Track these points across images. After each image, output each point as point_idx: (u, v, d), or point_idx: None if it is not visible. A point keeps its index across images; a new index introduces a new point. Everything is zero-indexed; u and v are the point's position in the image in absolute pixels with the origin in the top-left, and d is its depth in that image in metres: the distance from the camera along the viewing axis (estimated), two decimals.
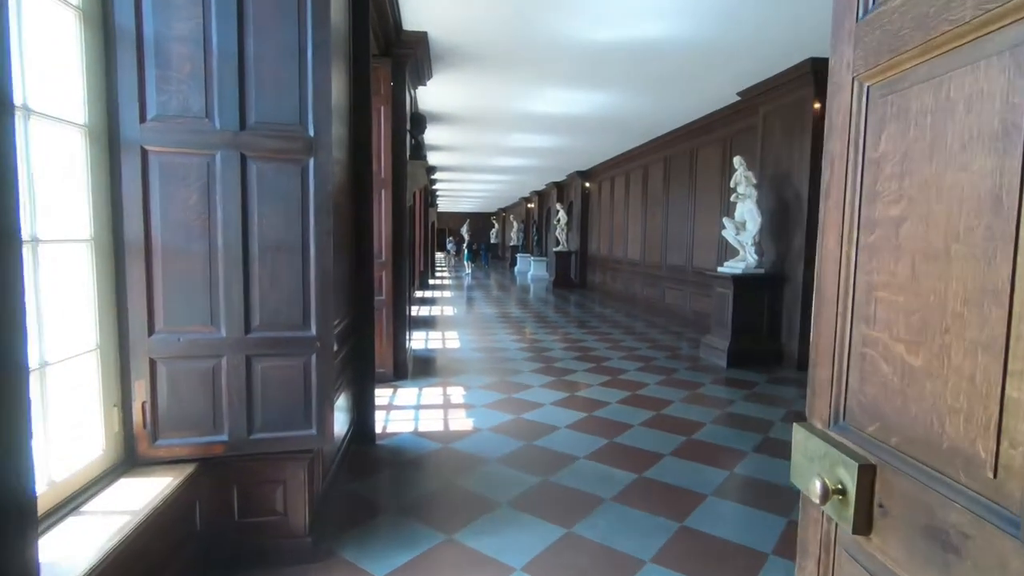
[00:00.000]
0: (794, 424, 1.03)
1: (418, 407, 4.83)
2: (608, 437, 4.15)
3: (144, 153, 2.17)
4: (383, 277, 5.47)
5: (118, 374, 2.23)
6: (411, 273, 9.45)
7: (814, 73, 5.99)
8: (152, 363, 2.25)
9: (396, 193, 5.53)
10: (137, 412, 2.24)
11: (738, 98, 7.49)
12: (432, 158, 14.00)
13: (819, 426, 1.00)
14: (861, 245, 0.89)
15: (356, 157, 3.89)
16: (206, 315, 2.30)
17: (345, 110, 3.59)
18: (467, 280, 19.38)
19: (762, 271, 6.57)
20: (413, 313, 10.29)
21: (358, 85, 3.94)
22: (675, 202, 10.33)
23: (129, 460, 2.25)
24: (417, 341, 7.76)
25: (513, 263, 25.55)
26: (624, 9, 4.82)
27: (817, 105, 6.11)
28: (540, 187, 21.51)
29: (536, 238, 21.94)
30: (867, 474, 0.82)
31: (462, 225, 36.90)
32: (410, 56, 5.51)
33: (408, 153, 5.98)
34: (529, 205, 24.97)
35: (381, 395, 5.07)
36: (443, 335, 8.30)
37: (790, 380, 5.98)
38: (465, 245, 25.37)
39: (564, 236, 17.23)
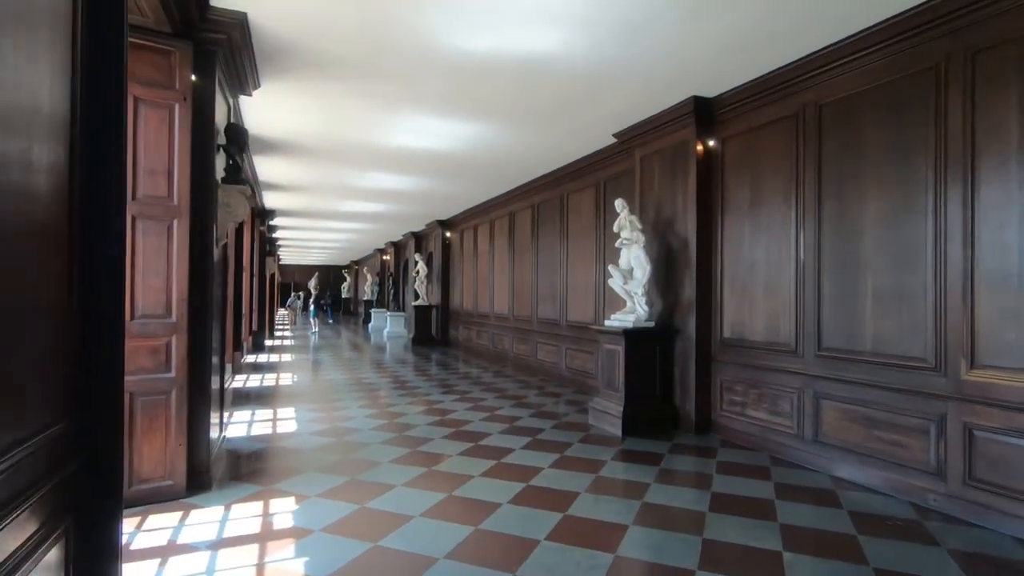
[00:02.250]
0: None
1: (216, 545, 3.15)
2: (510, 567, 2.90)
3: None
4: (171, 345, 3.77)
5: None
6: (235, 335, 7.52)
7: (696, 113, 5.65)
8: None
9: (197, 227, 3.94)
10: None
11: (613, 139, 7.06)
12: (271, 199, 12.09)
13: None
14: None
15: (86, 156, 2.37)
16: None
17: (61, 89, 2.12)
18: (314, 339, 17.09)
19: (652, 324, 5.93)
20: (240, 385, 8.22)
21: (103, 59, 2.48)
22: (545, 251, 9.70)
23: None
24: (237, 426, 5.87)
25: (367, 319, 23.53)
26: (514, 9, 3.95)
27: (700, 147, 5.76)
28: (397, 237, 20.17)
29: (393, 291, 20.38)
30: None
31: (310, 279, 33.96)
32: (222, 44, 4.08)
33: (221, 175, 4.43)
34: (385, 257, 23.40)
35: (157, 526, 3.31)
36: (275, 413, 6.48)
37: (693, 449, 5.26)
38: (312, 300, 22.86)
39: (424, 289, 15.98)
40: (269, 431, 5.70)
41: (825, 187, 4.64)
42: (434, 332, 15.67)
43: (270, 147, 7.67)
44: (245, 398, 7.43)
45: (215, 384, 4.55)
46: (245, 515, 3.56)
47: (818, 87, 4.70)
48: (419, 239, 17.78)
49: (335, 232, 19.11)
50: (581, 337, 8.44)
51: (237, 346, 7.84)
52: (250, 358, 11.75)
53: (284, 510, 3.64)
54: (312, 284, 33.22)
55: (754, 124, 5.34)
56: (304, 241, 22.68)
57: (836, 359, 4.51)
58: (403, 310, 19.36)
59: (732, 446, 5.29)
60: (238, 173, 4.53)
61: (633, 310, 5.95)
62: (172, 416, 3.77)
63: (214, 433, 4.51)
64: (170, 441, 3.76)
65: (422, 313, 15.65)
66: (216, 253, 4.40)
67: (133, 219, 3.64)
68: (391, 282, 20.60)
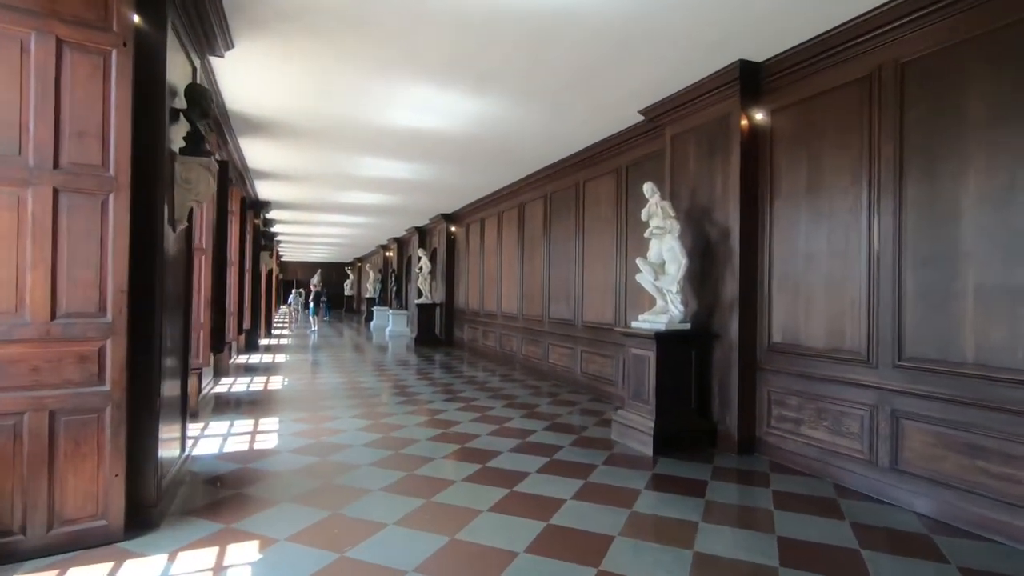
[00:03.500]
0: None
1: None
2: None
3: None
4: (105, 351, 3.01)
5: None
6: (215, 335, 6.78)
7: (742, 80, 4.86)
8: None
9: (142, 204, 3.19)
10: None
11: (638, 118, 6.27)
12: (264, 190, 11.36)
13: None
14: None
15: None
16: None
17: None
18: (313, 338, 16.36)
19: (687, 326, 5.14)
20: (224, 389, 7.48)
21: None
22: (559, 246, 8.92)
23: None
24: (209, 440, 5.12)
25: (369, 317, 22.82)
26: None
27: (745, 122, 4.96)
28: (400, 233, 19.43)
29: (395, 289, 19.64)
30: None
31: (313, 276, 33.28)
32: None
33: (173, 143, 3.67)
34: (387, 253, 22.68)
35: None
36: (256, 424, 5.73)
37: (740, 474, 4.47)
38: (312, 298, 22.13)
39: (427, 286, 15.22)
40: (245, 447, 4.94)
41: (908, 163, 3.83)
42: (438, 332, 14.92)
43: (255, 127, 6.92)
44: (226, 405, 6.69)
45: (173, 392, 3.81)
46: (192, 569, 2.79)
47: (898, 42, 3.89)
48: (423, 234, 17.03)
49: (335, 227, 18.39)
50: (598, 339, 7.66)
51: (217, 347, 7.09)
52: (242, 358, 11.03)
53: (243, 560, 2.88)
54: (315, 281, 32.58)
55: (813, 92, 4.53)
56: (304, 236, 21.98)
57: (923, 371, 3.70)
58: (406, 308, 18.63)
59: (784, 471, 4.50)
60: (201, 143, 3.77)
61: (665, 310, 5.16)
62: (106, 439, 3.01)
63: (172, 452, 3.78)
64: (103, 470, 3.00)
65: (425, 312, 14.90)
66: (172, 238, 3.64)
67: (54, 192, 2.89)
68: (394, 279, 19.87)
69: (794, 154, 4.70)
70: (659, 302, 5.27)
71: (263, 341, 14.51)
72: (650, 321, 5.16)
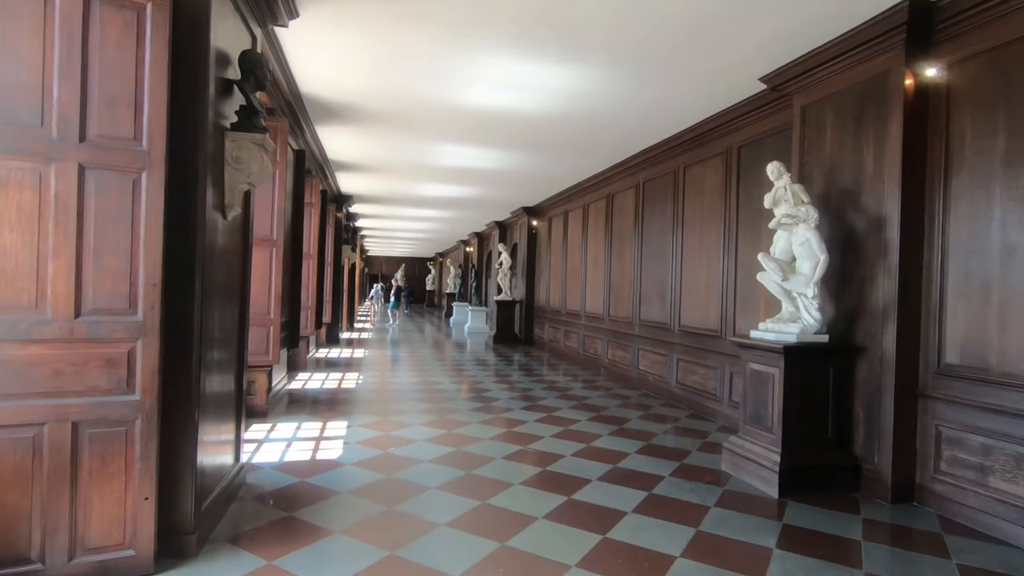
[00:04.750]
0: None
1: None
2: None
3: None
4: (135, 354, 2.59)
5: None
6: (289, 330, 6.54)
7: (910, 26, 3.79)
8: None
9: (179, 183, 2.76)
10: None
11: (759, 88, 5.27)
12: (345, 182, 11.26)
13: None
14: None
15: None
16: None
17: None
18: (392, 333, 16.34)
19: (825, 338, 4.14)
20: (299, 386, 7.26)
21: None
22: (652, 240, 8.00)
23: None
24: (273, 446, 4.77)
25: (449, 313, 22.74)
26: None
27: (910, 81, 3.89)
28: (480, 227, 19.08)
29: (475, 285, 19.32)
30: None
31: (397, 270, 33.97)
32: None
33: (226, 119, 3.24)
34: (467, 248, 22.46)
35: None
36: (324, 429, 5.35)
37: (902, 534, 3.47)
38: (392, 292, 22.30)
39: (507, 283, 14.69)
40: (308, 456, 4.54)
41: None
42: (517, 330, 14.35)
43: (329, 112, 6.58)
44: (298, 404, 6.42)
45: (225, 394, 3.40)
46: None
47: None
48: (503, 229, 16.54)
49: (416, 221, 18.33)
50: (698, 347, 6.70)
51: (291, 343, 6.86)
52: (322, 352, 10.99)
53: None
54: (398, 276, 33.22)
55: (1013, 35, 3.41)
56: (387, 231, 22.22)
57: None
58: (485, 305, 18.25)
59: (963, 533, 3.44)
60: (254, 117, 3.32)
61: (796, 317, 4.19)
62: (136, 456, 2.59)
63: (222, 461, 3.38)
64: (131, 492, 2.59)
65: (505, 309, 14.38)
66: (221, 226, 3.22)
67: (80, 169, 2.49)
68: (473, 275, 19.55)
69: (983, 118, 3.58)
70: (786, 307, 4.31)
71: (344, 335, 14.61)
72: (776, 331, 4.21)
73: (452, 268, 25.40)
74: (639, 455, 4.84)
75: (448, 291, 25.84)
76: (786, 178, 4.29)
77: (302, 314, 8.03)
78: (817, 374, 4.12)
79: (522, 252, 14.41)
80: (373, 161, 9.24)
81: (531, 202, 13.24)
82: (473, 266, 20.30)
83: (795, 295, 4.20)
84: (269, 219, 5.62)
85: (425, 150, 8.33)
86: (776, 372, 4.08)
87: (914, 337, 3.91)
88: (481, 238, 20.17)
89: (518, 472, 4.29)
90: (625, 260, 8.82)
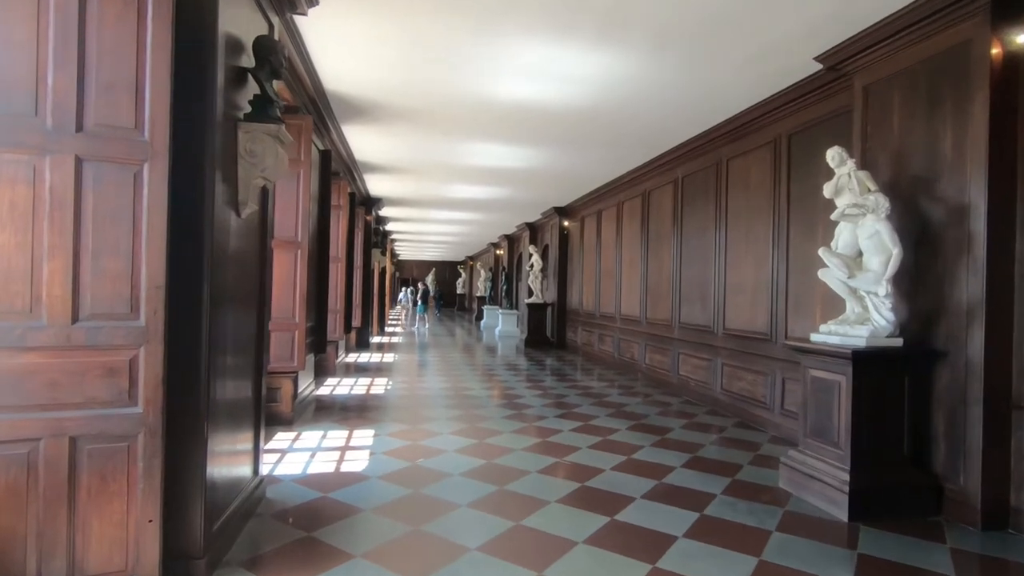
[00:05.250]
0: None
1: None
2: None
3: None
4: (137, 362, 2.37)
5: None
6: (315, 335, 6.37)
7: None
8: None
9: (184, 176, 2.54)
10: None
11: (813, 69, 4.84)
12: (374, 185, 11.14)
13: None
14: None
15: None
16: None
17: None
18: (422, 337, 16.19)
19: (899, 342, 3.69)
20: (327, 392, 7.07)
21: None
22: (692, 238, 7.57)
23: None
24: (297, 456, 4.56)
25: (480, 316, 22.55)
26: None
27: (998, 51, 3.43)
28: (510, 229, 18.81)
29: (505, 288, 19.05)
30: None
31: (427, 274, 34.03)
32: None
33: (240, 110, 3.03)
34: (497, 251, 22.23)
35: None
36: (350, 438, 5.13)
37: (996, 567, 3.01)
38: (419, 295, 22.16)
39: (538, 285, 14.36)
40: (332, 467, 4.30)
41: None
42: (549, 333, 14.01)
43: (355, 111, 6.40)
44: (324, 411, 6.23)
45: (241, 404, 3.19)
46: None
47: None
48: (533, 230, 16.23)
49: (445, 224, 18.19)
50: (745, 351, 6.26)
51: (318, 348, 6.69)
52: (351, 357, 10.87)
53: None
54: (429, 280, 33.26)
55: None
56: (416, 235, 22.18)
57: None
58: (516, 308, 17.97)
59: None
60: (268, 107, 3.09)
61: (863, 318, 3.76)
62: (138, 474, 2.37)
63: (239, 473, 3.17)
64: (134, 513, 2.37)
65: (536, 312, 14.06)
66: (234, 224, 3.00)
67: (77, 162, 2.28)
68: (504, 277, 19.29)
69: None
70: (851, 307, 3.87)
71: (374, 339, 14.51)
72: (841, 333, 3.78)
73: (482, 271, 25.22)
74: (686, 469, 4.45)
75: (478, 294, 25.65)
76: (850, 164, 3.87)
77: (330, 318, 7.87)
78: (890, 382, 3.67)
79: (553, 254, 14.07)
80: (400, 162, 9.06)
81: (562, 202, 12.90)
82: (503, 269, 20.06)
83: (862, 294, 3.77)
84: (294, 220, 5.45)
85: (452, 149, 8.09)
86: (842, 380, 3.65)
87: (1006, 341, 3.44)
88: (511, 240, 19.91)
89: (554, 488, 3.96)
90: (663, 260, 8.40)
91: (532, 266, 14.57)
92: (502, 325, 17.19)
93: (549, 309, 14.11)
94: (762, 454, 4.95)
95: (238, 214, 3.05)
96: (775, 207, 5.81)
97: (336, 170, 8.16)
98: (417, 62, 5.01)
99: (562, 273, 13.68)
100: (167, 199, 2.42)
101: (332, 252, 7.68)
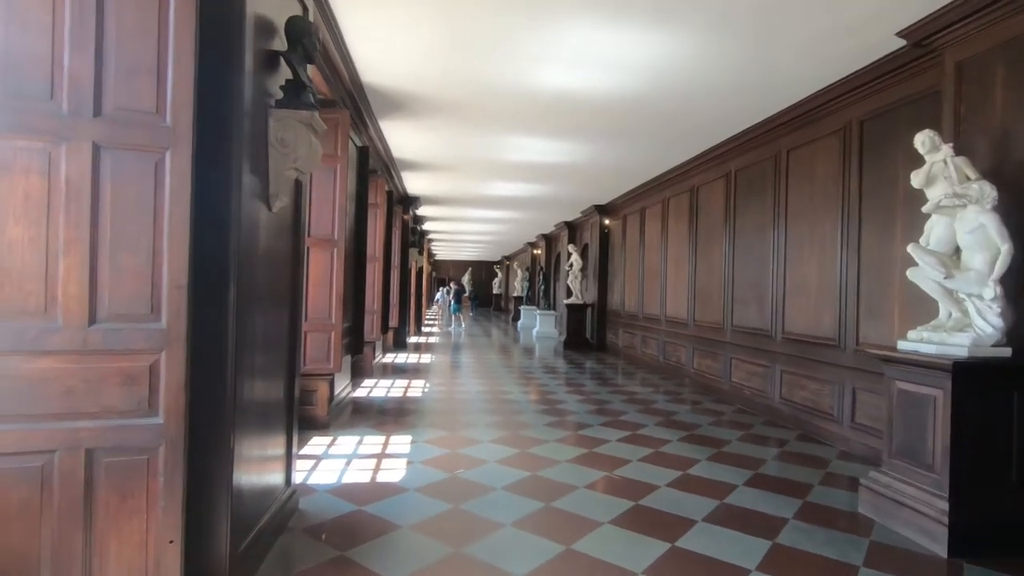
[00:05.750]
0: None
1: None
2: None
3: None
4: (159, 368, 2.18)
5: None
6: (353, 336, 6.21)
7: None
8: None
9: (210, 165, 2.34)
10: None
11: (892, 47, 4.36)
12: (412, 183, 11.00)
13: None
14: None
15: None
16: None
17: None
18: (457, 338, 16.02)
19: (1008, 352, 3.22)
20: (364, 394, 6.84)
21: None
22: (747, 236, 7.10)
23: None
24: (332, 464, 4.36)
25: (516, 316, 22.28)
26: None
27: None
28: (548, 228, 18.48)
29: (543, 288, 18.72)
30: None
31: (464, 274, 34.00)
32: None
33: (266, 95, 2.82)
34: (535, 251, 21.91)
35: None
36: (386, 444, 4.91)
37: None
38: (452, 295, 21.97)
39: (578, 285, 13.99)
40: (368, 477, 4.08)
41: None
42: (588, 335, 13.62)
43: (392, 104, 6.20)
44: (361, 414, 6.05)
45: (272, 409, 2.99)
46: None
47: None
48: (572, 229, 15.85)
49: (482, 223, 17.99)
50: (807, 357, 5.77)
51: (355, 348, 6.52)
52: (388, 358, 10.75)
53: None
54: (465, 279, 33.20)
55: None
56: (454, 234, 22.08)
57: None
58: (554, 308, 17.62)
59: None
60: (301, 93, 2.88)
61: (963, 324, 3.30)
62: (159, 491, 2.17)
63: (269, 483, 2.97)
64: (154, 532, 2.17)
65: (575, 313, 13.69)
66: (265, 218, 2.79)
67: (95, 149, 2.10)
68: (541, 277, 18.96)
69: None
70: (946, 312, 3.42)
71: (412, 339, 14.41)
72: (937, 342, 3.32)
73: (519, 271, 24.95)
74: (749, 488, 4.05)
75: (515, 294, 25.40)
76: (945, 151, 3.41)
77: (367, 318, 7.72)
78: (996, 397, 3.20)
79: (593, 253, 13.67)
80: (437, 159, 8.87)
81: (603, 200, 12.50)
82: (541, 268, 19.73)
83: (962, 296, 3.31)
84: (330, 218, 5.28)
85: (490, 144, 7.83)
86: (939, 394, 3.20)
87: None
88: (548, 240, 19.57)
89: (605, 506, 3.63)
90: (713, 259, 7.93)
91: (571, 266, 14.21)
92: (540, 326, 16.87)
93: (589, 310, 13.72)
94: (832, 472, 4.50)
95: (269, 208, 2.84)
96: (844, 201, 5.32)
97: (374, 167, 8.01)
98: (457, 49, 4.76)
99: (603, 273, 13.27)
100: (191, 190, 2.21)
101: (369, 251, 7.53)
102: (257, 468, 2.81)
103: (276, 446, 3.13)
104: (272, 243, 2.95)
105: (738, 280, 7.26)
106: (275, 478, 3.13)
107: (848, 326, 5.21)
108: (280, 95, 2.89)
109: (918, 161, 3.64)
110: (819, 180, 5.71)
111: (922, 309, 4.34)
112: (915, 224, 4.47)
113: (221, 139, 2.41)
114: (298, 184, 3.26)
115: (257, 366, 2.77)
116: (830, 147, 5.53)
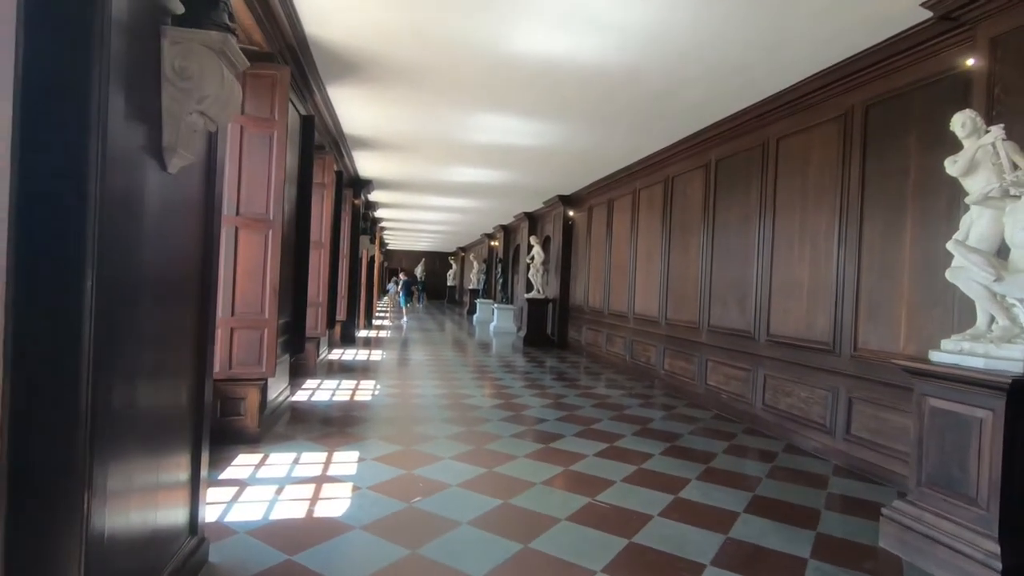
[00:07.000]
0: None
1: None
2: None
3: None
4: None
5: None
6: (293, 331, 5.38)
7: None
8: None
9: (53, 93, 1.53)
10: None
11: (923, 17, 3.91)
12: (364, 164, 10.09)
13: None
14: None
15: None
16: None
17: None
18: (407, 332, 15.17)
19: None
20: (304, 397, 5.97)
21: None
22: (727, 230, 6.66)
23: None
24: (259, 491, 3.57)
25: (472, 310, 21.57)
26: None
27: None
28: (507, 219, 17.83)
29: (500, 281, 18.07)
30: None
31: (417, 264, 32.98)
32: None
33: (157, 7, 2.02)
34: (492, 243, 21.22)
35: None
36: (327, 463, 4.15)
37: None
38: (400, 286, 21.06)
39: (539, 279, 13.41)
40: (303, 510, 3.33)
41: None
42: (549, 331, 13.08)
43: (343, 65, 5.34)
44: (300, 423, 5.24)
45: (162, 434, 2.22)
46: None
47: None
48: (534, 220, 15.25)
49: (439, 212, 17.15)
50: (797, 362, 5.36)
51: (294, 347, 5.67)
52: (335, 354, 9.85)
53: None
54: (419, 270, 32.19)
55: None
56: (408, 223, 21.10)
57: None
58: (512, 302, 17.01)
59: None
60: (212, 11, 2.09)
61: (1014, 334, 2.85)
62: None
63: (168, 530, 2.19)
64: None
65: (536, 308, 13.11)
66: (156, 178, 2.00)
67: None
68: (499, 270, 18.32)
69: None
70: (986, 318, 2.97)
71: (361, 334, 13.48)
72: (983, 354, 2.87)
73: (475, 263, 24.22)
74: (753, 516, 3.53)
75: (471, 287, 24.67)
76: (996, 132, 2.94)
77: (310, 312, 6.88)
78: None
79: (556, 246, 13.11)
80: (394, 137, 8.04)
81: (568, 190, 11.94)
82: (499, 261, 19.08)
83: (1012, 302, 2.86)
84: (264, 194, 4.46)
85: (456, 121, 7.09)
86: (988, 416, 2.74)
87: None
88: (507, 231, 18.92)
89: (596, 545, 3.03)
90: (690, 255, 7.48)
91: (532, 259, 13.62)
92: (497, 320, 16.26)
93: (550, 305, 13.17)
94: (835, 493, 4.06)
95: (163, 166, 2.06)
96: (842, 192, 4.90)
97: (321, 143, 7.13)
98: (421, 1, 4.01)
99: (566, 267, 12.74)
100: (11, 137, 1.42)
101: (314, 236, 6.68)
102: (143, 504, 2.04)
103: (175, 470, 2.35)
104: (170, 216, 2.16)
105: (717, 277, 6.82)
106: (174, 518, 2.35)
107: (845, 329, 4.80)
108: (181, 11, 2.10)
109: (933, 149, 3.20)
110: (813, 171, 5.28)
111: (936, 313, 3.94)
112: (928, 219, 4.08)
113: (77, 61, 1.61)
114: (211, 138, 2.46)
115: (143, 368, 2.00)
116: (828, 134, 5.10)
